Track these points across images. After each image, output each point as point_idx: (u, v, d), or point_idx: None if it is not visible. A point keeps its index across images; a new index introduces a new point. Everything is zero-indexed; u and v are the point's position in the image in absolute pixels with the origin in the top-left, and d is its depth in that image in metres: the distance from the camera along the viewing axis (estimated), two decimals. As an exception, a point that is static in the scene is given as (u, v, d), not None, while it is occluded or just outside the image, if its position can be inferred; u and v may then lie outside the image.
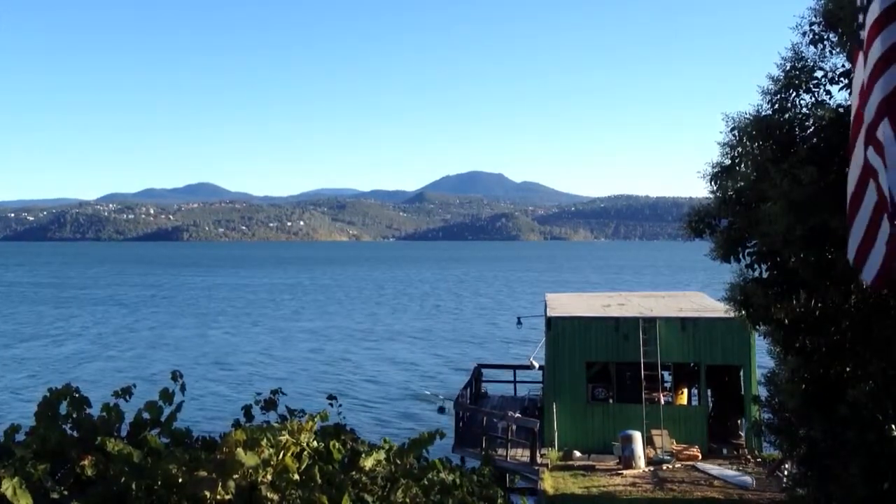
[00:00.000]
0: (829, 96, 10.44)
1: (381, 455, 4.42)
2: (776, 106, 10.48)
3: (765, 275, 11.09)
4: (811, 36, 10.16)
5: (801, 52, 10.26)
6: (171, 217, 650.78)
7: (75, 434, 4.02)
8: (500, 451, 19.87)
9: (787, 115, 10.44)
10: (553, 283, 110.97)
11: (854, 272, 5.47)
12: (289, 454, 3.87)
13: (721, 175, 11.25)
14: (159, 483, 3.56)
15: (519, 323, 30.67)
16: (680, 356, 21.09)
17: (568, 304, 25.68)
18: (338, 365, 45.43)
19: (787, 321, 10.50)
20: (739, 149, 10.88)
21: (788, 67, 10.34)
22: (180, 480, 3.55)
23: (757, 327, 11.73)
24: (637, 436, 19.25)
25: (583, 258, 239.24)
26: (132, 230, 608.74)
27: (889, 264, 4.89)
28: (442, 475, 4.51)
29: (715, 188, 11.40)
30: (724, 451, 20.28)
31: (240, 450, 3.62)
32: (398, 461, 4.48)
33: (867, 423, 9.52)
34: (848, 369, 10.30)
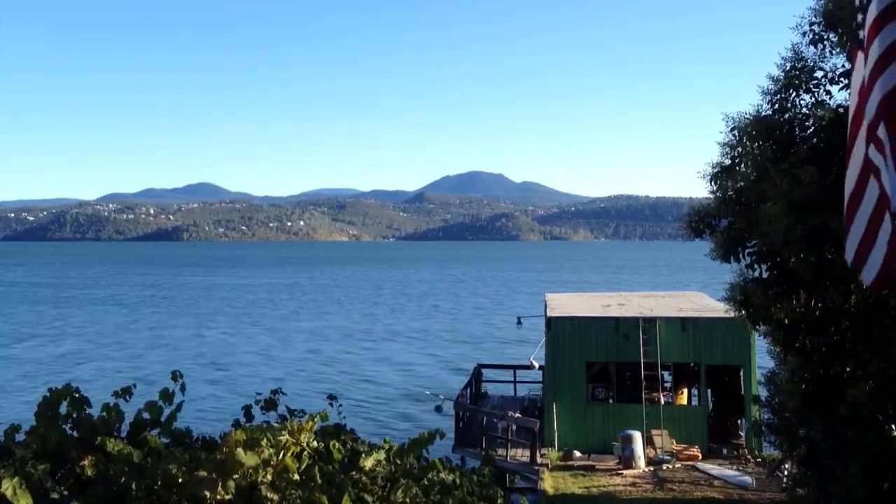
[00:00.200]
0: (829, 96, 10.44)
1: (381, 455, 4.42)
2: (776, 106, 10.48)
3: (765, 275, 11.08)
4: (811, 36, 10.16)
5: (801, 52, 10.25)
6: (171, 217, 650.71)
7: (75, 434, 4.02)
8: (500, 451, 19.86)
9: (787, 115, 10.44)
10: (553, 283, 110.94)
11: (854, 272, 5.44)
12: (289, 454, 3.87)
13: (721, 175, 11.24)
14: (159, 483, 3.56)
15: (519, 323, 30.68)
16: (680, 356, 21.09)
17: (568, 304, 25.67)
18: (335, 365, 45.43)
19: (787, 321, 10.49)
20: (739, 149, 10.87)
21: (788, 67, 10.33)
22: (180, 480, 3.55)
23: (757, 327, 11.73)
24: (637, 436, 19.25)
25: (583, 258, 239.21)
26: (132, 230, 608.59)
27: (890, 264, 4.86)
28: (442, 475, 4.51)
29: (715, 188, 11.40)
30: (724, 451, 20.28)
31: (240, 450, 3.62)
32: (398, 461, 4.48)
33: (867, 423, 9.52)
34: (848, 369, 10.29)
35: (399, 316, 72.64)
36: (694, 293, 28.94)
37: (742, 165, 11.03)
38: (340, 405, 5.23)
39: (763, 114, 10.51)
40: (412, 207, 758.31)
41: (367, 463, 4.32)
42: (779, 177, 9.74)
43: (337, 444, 4.29)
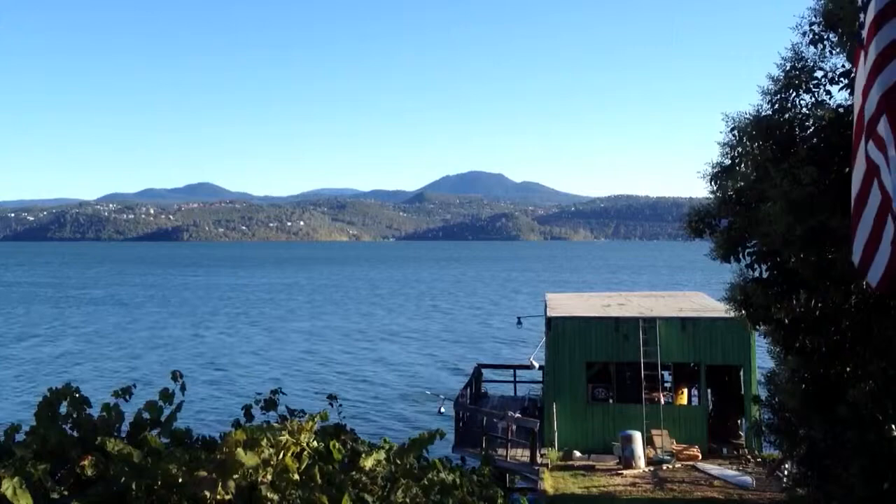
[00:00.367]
0: (829, 96, 10.43)
1: (381, 455, 4.42)
2: (776, 106, 10.47)
3: (765, 275, 11.08)
4: (811, 36, 10.15)
5: (801, 52, 10.24)
6: (171, 217, 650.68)
7: (75, 434, 4.01)
8: (500, 451, 19.87)
9: (787, 115, 10.43)
10: (552, 283, 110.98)
11: (858, 273, 5.43)
12: (289, 454, 3.86)
13: (721, 175, 11.24)
14: (159, 483, 3.55)
15: (519, 323, 30.70)
16: (680, 356, 21.10)
17: (568, 304, 25.68)
18: (333, 365, 45.42)
19: (787, 321, 10.49)
20: (739, 149, 10.87)
21: (788, 67, 10.33)
22: (180, 480, 3.54)
23: (757, 327, 11.72)
24: (637, 436, 19.26)
25: (582, 258, 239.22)
26: (132, 230, 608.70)
27: (894, 266, 4.85)
28: (442, 475, 4.51)
29: (715, 188, 11.39)
30: (724, 451, 20.29)
31: (240, 450, 3.61)
32: (398, 461, 4.47)
33: (867, 423, 9.52)
34: (848, 369, 10.29)
35: (398, 316, 72.64)
36: (694, 293, 28.94)
37: (742, 165, 11.02)
38: (340, 405, 5.23)
39: (763, 114, 10.51)
40: (412, 207, 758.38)
41: (367, 463, 4.31)
42: (779, 177, 9.73)
43: (337, 444, 4.28)
